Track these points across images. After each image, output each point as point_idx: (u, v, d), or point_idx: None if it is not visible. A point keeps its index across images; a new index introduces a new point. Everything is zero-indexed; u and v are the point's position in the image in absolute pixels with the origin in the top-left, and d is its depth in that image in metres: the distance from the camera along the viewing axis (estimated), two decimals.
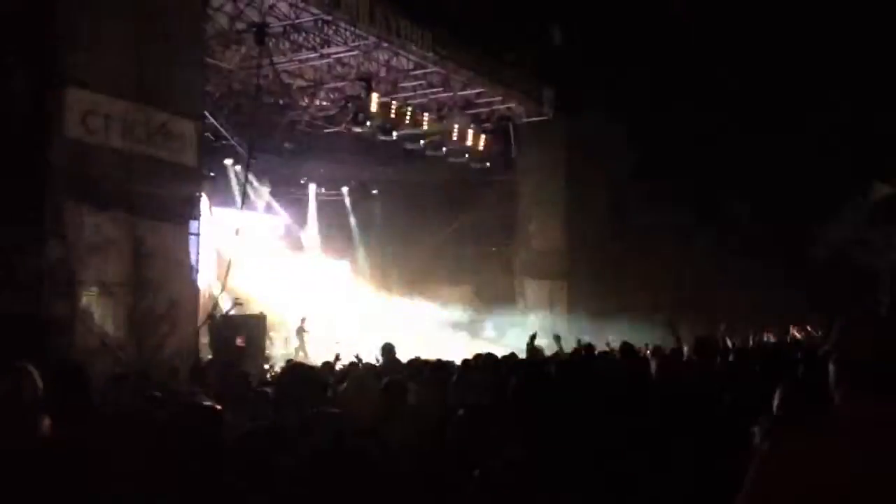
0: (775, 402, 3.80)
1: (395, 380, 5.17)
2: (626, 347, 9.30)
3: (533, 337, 12.23)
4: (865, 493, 2.19)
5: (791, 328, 19.40)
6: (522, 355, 10.77)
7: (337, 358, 11.63)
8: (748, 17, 23.46)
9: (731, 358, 7.68)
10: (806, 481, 2.22)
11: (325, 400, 4.14)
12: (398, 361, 10.73)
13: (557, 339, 12.44)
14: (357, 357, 11.99)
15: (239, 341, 11.20)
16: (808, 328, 18.99)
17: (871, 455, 2.23)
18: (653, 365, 6.79)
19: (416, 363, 8.81)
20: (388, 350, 11.44)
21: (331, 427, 3.99)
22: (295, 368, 3.67)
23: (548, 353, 11.75)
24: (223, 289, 16.74)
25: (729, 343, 11.53)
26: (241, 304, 16.31)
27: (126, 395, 5.69)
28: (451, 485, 4.21)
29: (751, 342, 15.04)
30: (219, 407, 3.11)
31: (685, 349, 8.85)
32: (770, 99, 24.71)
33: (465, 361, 9.25)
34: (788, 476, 2.24)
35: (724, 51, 23.84)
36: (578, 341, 13.70)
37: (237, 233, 17.56)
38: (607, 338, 22.00)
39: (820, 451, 2.27)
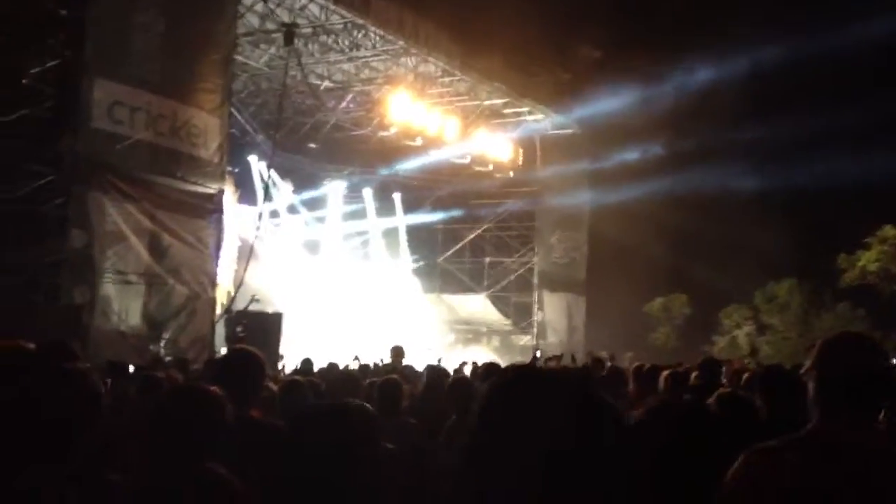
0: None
1: (389, 380, 5.19)
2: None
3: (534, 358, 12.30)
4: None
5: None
6: None
7: (355, 359, 11.62)
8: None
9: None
10: (761, 494, 2.24)
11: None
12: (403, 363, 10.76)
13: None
14: (382, 359, 12.04)
15: (239, 329, 11.20)
16: None
17: (827, 470, 2.23)
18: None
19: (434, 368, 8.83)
20: (396, 352, 11.52)
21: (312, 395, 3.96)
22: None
23: None
24: (241, 284, 16.85)
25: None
26: (257, 301, 16.38)
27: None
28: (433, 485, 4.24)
29: None
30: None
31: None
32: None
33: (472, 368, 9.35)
34: (746, 488, 2.25)
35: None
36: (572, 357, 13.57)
37: (258, 228, 17.70)
38: (626, 353, 21.92)
39: (777, 466, 2.27)
